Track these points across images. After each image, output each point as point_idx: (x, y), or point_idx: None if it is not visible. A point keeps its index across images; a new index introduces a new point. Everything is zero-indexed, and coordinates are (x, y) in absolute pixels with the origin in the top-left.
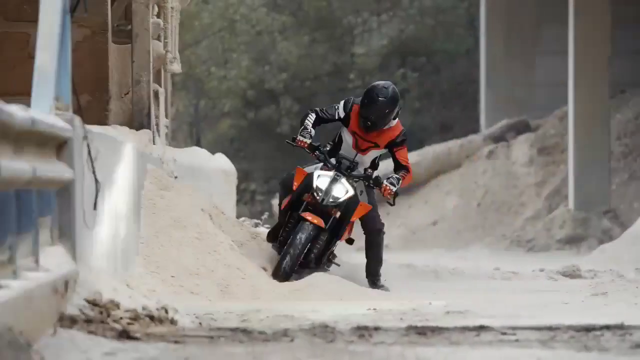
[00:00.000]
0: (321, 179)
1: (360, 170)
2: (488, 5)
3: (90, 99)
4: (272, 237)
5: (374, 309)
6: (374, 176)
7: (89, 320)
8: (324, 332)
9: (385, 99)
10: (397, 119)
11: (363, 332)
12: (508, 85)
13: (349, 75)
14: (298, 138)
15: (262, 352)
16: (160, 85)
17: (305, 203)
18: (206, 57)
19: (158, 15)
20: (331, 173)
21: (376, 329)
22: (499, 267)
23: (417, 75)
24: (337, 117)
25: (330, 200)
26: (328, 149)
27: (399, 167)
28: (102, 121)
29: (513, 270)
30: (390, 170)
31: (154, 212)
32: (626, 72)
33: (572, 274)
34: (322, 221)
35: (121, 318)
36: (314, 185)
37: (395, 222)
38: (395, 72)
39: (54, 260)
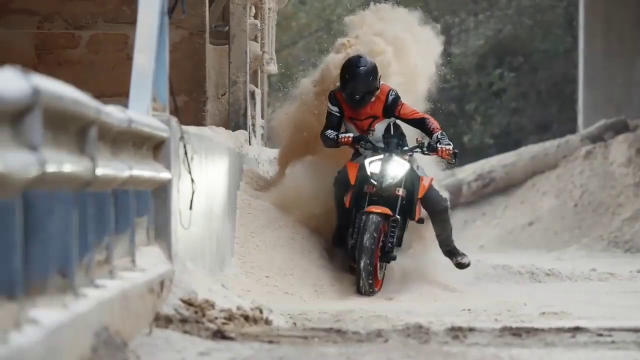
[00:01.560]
0: (373, 164)
1: (406, 142)
2: (587, 5)
3: (187, 99)
4: (337, 240)
5: (469, 310)
6: (425, 143)
7: (184, 320)
8: (418, 332)
9: (366, 67)
10: (379, 84)
11: (457, 332)
12: (606, 85)
13: (445, 76)
14: (340, 137)
15: (356, 352)
16: (257, 86)
17: (368, 196)
18: (303, 57)
19: (255, 16)
20: (380, 155)
21: (470, 329)
22: (596, 268)
23: (514, 75)
24: (338, 115)
25: (390, 180)
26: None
27: (418, 123)
28: (199, 122)
29: (610, 272)
30: (413, 135)
31: (249, 213)
32: None
33: None
34: (387, 209)
35: (216, 318)
36: (369, 173)
37: (490, 222)
38: (492, 72)
39: (150, 260)
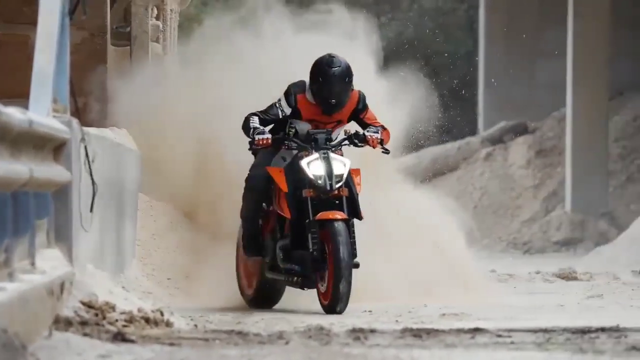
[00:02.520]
0: (312, 165)
1: (334, 137)
2: (487, 8)
3: (88, 101)
4: (253, 249)
5: (370, 311)
6: (353, 133)
7: (84, 323)
8: (320, 334)
9: (341, 67)
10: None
11: (358, 334)
12: (506, 87)
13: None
14: (256, 139)
15: (257, 354)
16: None
17: (309, 201)
18: None
19: (157, 18)
20: (316, 154)
21: (372, 331)
22: (495, 269)
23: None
24: (281, 116)
25: (336, 180)
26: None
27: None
28: (100, 123)
29: (509, 273)
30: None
31: (151, 215)
32: (625, 73)
33: (568, 276)
34: (342, 213)
35: (116, 320)
36: (311, 176)
37: None
38: (393, 74)
39: (50, 262)
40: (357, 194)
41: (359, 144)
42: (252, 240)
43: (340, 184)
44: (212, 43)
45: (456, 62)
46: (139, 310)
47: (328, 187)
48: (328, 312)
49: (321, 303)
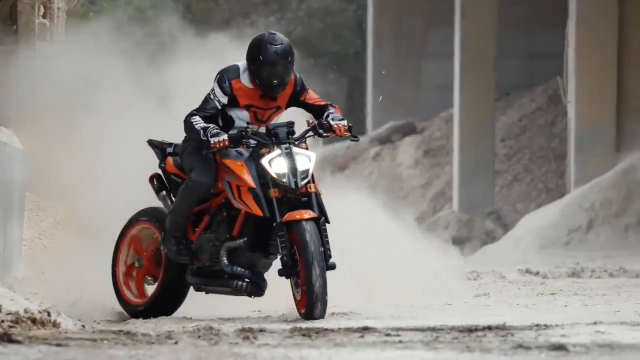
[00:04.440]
0: (275, 163)
1: (293, 129)
2: (376, 8)
3: None
4: (184, 252)
5: (259, 311)
6: (317, 123)
7: None
8: (209, 334)
9: (283, 45)
10: None
11: (247, 334)
12: (395, 88)
13: None
14: (212, 142)
15: (146, 354)
16: None
17: (275, 202)
18: None
19: (44, 16)
20: (277, 150)
21: (261, 330)
22: None
23: (304, 77)
24: (220, 107)
25: (302, 177)
26: (256, 128)
27: (322, 110)
28: None
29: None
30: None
31: (37, 215)
32: (511, 74)
33: None
34: (311, 212)
35: (2, 321)
36: (274, 175)
37: None
38: None
39: None
40: (320, 194)
41: (325, 134)
42: (181, 244)
43: (306, 180)
44: (100, 42)
45: (345, 62)
46: (26, 310)
47: (293, 185)
48: (307, 319)
49: (298, 311)
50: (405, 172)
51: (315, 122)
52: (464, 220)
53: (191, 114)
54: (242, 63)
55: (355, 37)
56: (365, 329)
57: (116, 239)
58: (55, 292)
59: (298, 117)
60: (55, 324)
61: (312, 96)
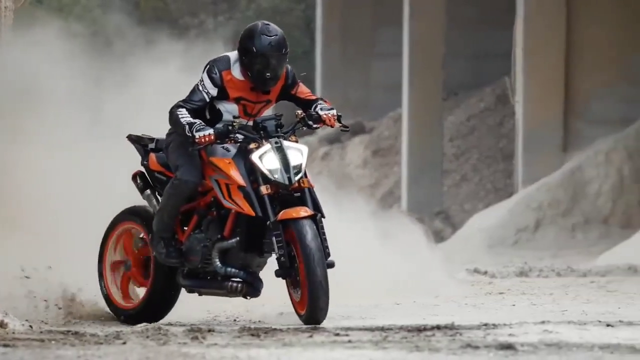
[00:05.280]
0: (266, 159)
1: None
2: (324, 8)
3: None
4: (174, 254)
5: (208, 311)
6: (306, 115)
7: None
8: (157, 334)
9: (277, 37)
10: None
11: (196, 334)
12: (343, 87)
13: None
14: (197, 137)
15: (94, 355)
16: None
17: (267, 200)
18: None
19: None
20: (267, 145)
21: (210, 330)
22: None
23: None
24: (208, 99)
25: (295, 172)
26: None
27: (311, 102)
28: None
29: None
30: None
31: None
32: (459, 74)
33: None
34: (307, 209)
35: None
36: (265, 171)
37: None
38: None
39: None
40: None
41: (314, 126)
42: (170, 246)
43: (300, 175)
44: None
45: (294, 61)
46: None
47: (287, 181)
48: (307, 323)
49: (297, 313)
50: (354, 171)
51: (304, 113)
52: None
53: (177, 106)
54: (232, 54)
55: (304, 37)
56: (314, 328)
57: (100, 243)
58: (2, 293)
59: (285, 110)
60: (3, 325)
61: (304, 90)
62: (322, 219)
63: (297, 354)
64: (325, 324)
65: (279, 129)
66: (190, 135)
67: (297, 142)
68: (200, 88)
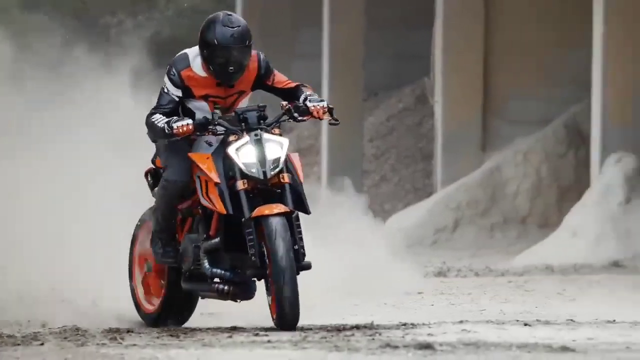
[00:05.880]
0: (242, 151)
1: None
2: (244, 8)
3: None
4: (171, 254)
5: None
6: (292, 106)
7: None
8: (75, 335)
9: (240, 28)
10: None
11: (115, 334)
12: None
13: None
14: (175, 127)
15: (11, 356)
16: None
17: (244, 196)
18: None
19: None
20: (246, 137)
21: (128, 331)
22: None
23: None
24: (177, 99)
25: (272, 166)
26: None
27: (293, 93)
28: None
29: None
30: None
31: None
32: (378, 74)
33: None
34: (282, 206)
35: None
36: (240, 165)
37: None
38: (150, 72)
39: None
40: (301, 183)
41: (300, 118)
42: (168, 246)
43: (277, 169)
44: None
45: None
46: None
47: (262, 176)
48: (279, 327)
49: (272, 317)
50: None
51: (291, 105)
52: None
53: (151, 114)
54: (191, 50)
55: None
56: (234, 328)
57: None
58: None
59: (270, 100)
60: None
61: (281, 79)
62: (307, 214)
63: (217, 354)
64: (244, 324)
65: (261, 121)
66: (169, 131)
67: (280, 135)
68: (166, 91)
